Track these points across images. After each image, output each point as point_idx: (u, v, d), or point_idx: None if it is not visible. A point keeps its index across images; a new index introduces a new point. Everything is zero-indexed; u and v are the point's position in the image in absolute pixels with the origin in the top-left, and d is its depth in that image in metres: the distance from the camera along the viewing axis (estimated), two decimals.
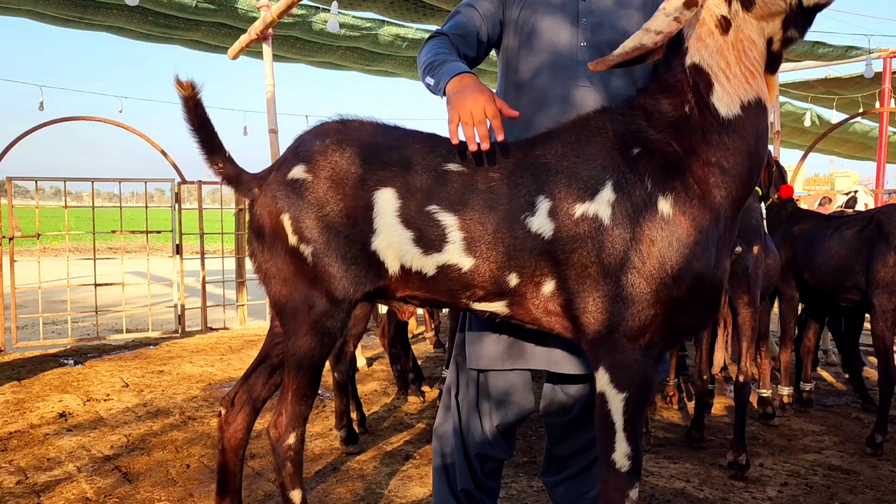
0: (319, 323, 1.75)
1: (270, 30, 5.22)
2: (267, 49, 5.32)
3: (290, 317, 1.78)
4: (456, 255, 1.70)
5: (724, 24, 1.59)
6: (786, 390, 4.36)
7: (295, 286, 1.76)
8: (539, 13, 2.04)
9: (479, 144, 1.68)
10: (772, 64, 1.63)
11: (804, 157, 7.25)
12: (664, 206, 1.61)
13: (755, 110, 1.61)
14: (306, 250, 1.72)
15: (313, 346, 1.77)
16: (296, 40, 8.01)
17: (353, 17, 7.58)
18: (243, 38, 5.47)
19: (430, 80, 1.85)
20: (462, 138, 1.71)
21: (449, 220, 1.70)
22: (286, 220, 1.74)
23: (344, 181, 1.73)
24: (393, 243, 1.73)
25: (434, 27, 8.11)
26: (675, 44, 1.66)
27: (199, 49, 8.09)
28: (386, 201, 1.72)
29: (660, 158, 1.64)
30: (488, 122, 1.70)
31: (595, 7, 2.03)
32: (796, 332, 4.47)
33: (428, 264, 1.73)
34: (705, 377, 3.52)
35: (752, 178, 1.66)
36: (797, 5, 1.54)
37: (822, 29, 7.96)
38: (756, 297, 3.30)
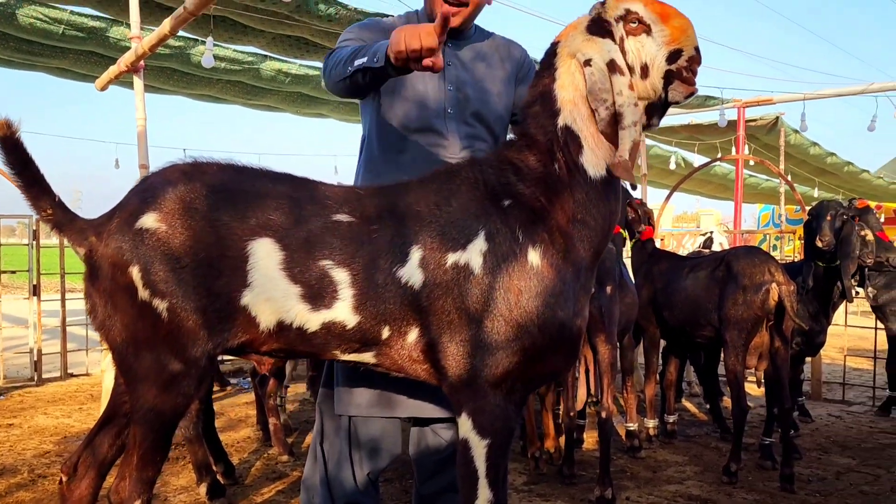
0: (173, 383, 1.64)
1: (142, 62, 5.02)
2: (138, 82, 5.10)
3: (139, 376, 1.65)
4: (344, 311, 1.67)
5: None
6: (651, 423, 4.57)
7: (145, 343, 1.64)
8: (411, 78, 2.09)
9: (429, 60, 1.63)
10: None
11: (668, 197, 7.73)
12: (533, 257, 1.66)
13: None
14: (160, 305, 1.62)
15: (165, 408, 1.66)
16: (173, 72, 7.76)
17: (235, 50, 7.45)
18: (112, 70, 5.23)
19: (363, 59, 1.79)
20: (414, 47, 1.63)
21: (342, 276, 1.66)
22: (136, 272, 1.62)
23: (206, 230, 1.64)
24: (273, 298, 1.65)
25: (318, 64, 8.08)
26: (546, 103, 1.73)
27: (66, 77, 7.68)
28: (265, 253, 1.65)
29: (529, 212, 1.70)
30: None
31: (459, 63, 2.10)
32: (660, 366, 4.72)
33: (313, 321, 1.67)
34: (572, 414, 3.63)
35: (609, 233, 1.76)
36: (664, 97, 1.69)
37: None
38: (613, 334, 3.46)
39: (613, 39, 1.66)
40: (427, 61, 1.63)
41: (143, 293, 1.62)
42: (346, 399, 2.05)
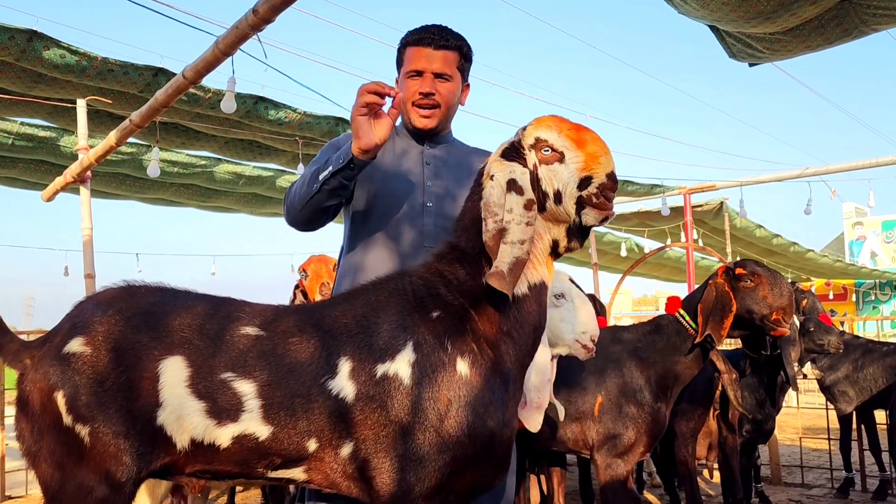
0: None
1: (89, 172, 5.06)
2: (85, 192, 5.12)
3: None
4: (253, 423, 1.66)
5: None
6: None
7: (69, 470, 1.62)
8: (390, 175, 2.23)
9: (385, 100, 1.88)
10: (554, 255, 1.82)
11: (619, 282, 7.90)
12: (462, 367, 1.68)
13: (539, 290, 1.77)
14: (83, 430, 1.61)
15: None
16: (125, 177, 7.80)
17: (187, 155, 7.54)
18: (58, 181, 5.26)
19: (327, 171, 1.97)
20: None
21: (246, 388, 1.66)
22: (60, 397, 1.62)
23: (127, 352, 1.65)
24: (182, 416, 1.65)
25: (272, 165, 8.20)
26: (475, 219, 1.78)
27: (14, 186, 7.66)
28: (174, 371, 1.66)
29: (458, 323, 1.73)
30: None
31: (437, 161, 2.29)
32: None
33: (222, 436, 1.66)
34: None
35: (535, 346, 1.81)
36: (578, 221, 1.74)
37: (627, 173, 8.97)
38: None
39: (525, 164, 1.74)
40: (384, 101, 1.86)
41: (67, 419, 1.61)
42: None
